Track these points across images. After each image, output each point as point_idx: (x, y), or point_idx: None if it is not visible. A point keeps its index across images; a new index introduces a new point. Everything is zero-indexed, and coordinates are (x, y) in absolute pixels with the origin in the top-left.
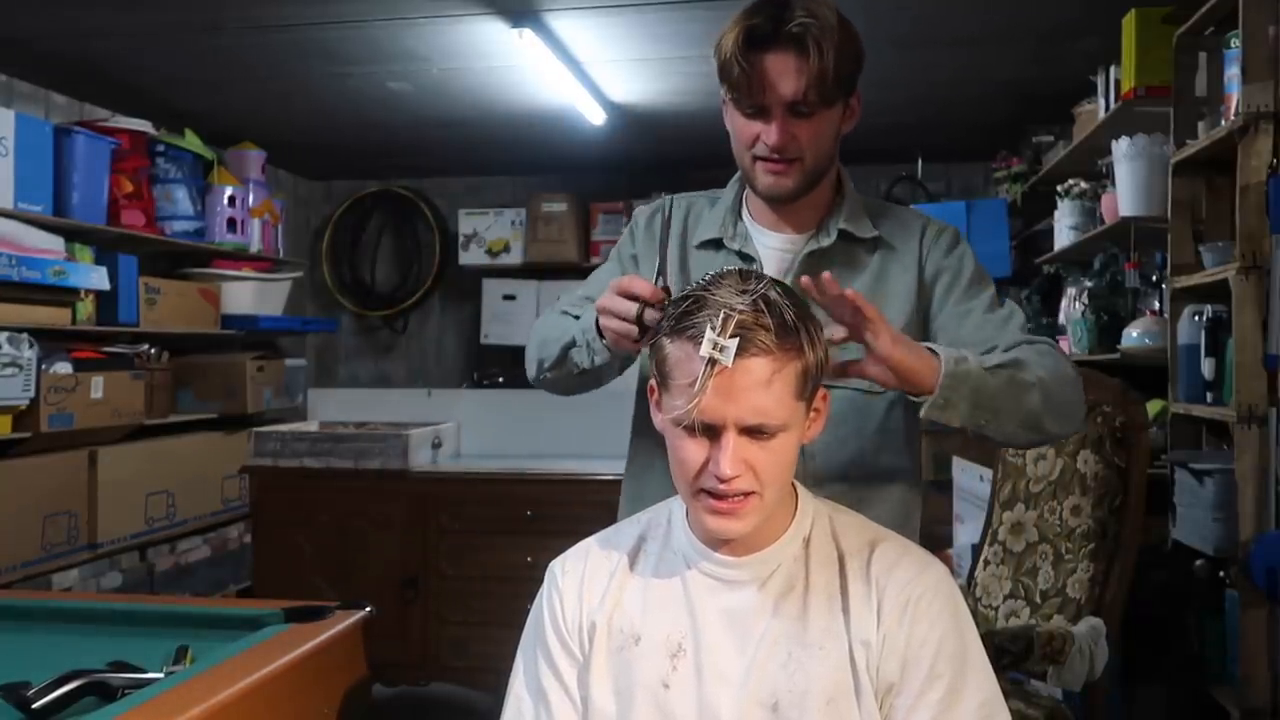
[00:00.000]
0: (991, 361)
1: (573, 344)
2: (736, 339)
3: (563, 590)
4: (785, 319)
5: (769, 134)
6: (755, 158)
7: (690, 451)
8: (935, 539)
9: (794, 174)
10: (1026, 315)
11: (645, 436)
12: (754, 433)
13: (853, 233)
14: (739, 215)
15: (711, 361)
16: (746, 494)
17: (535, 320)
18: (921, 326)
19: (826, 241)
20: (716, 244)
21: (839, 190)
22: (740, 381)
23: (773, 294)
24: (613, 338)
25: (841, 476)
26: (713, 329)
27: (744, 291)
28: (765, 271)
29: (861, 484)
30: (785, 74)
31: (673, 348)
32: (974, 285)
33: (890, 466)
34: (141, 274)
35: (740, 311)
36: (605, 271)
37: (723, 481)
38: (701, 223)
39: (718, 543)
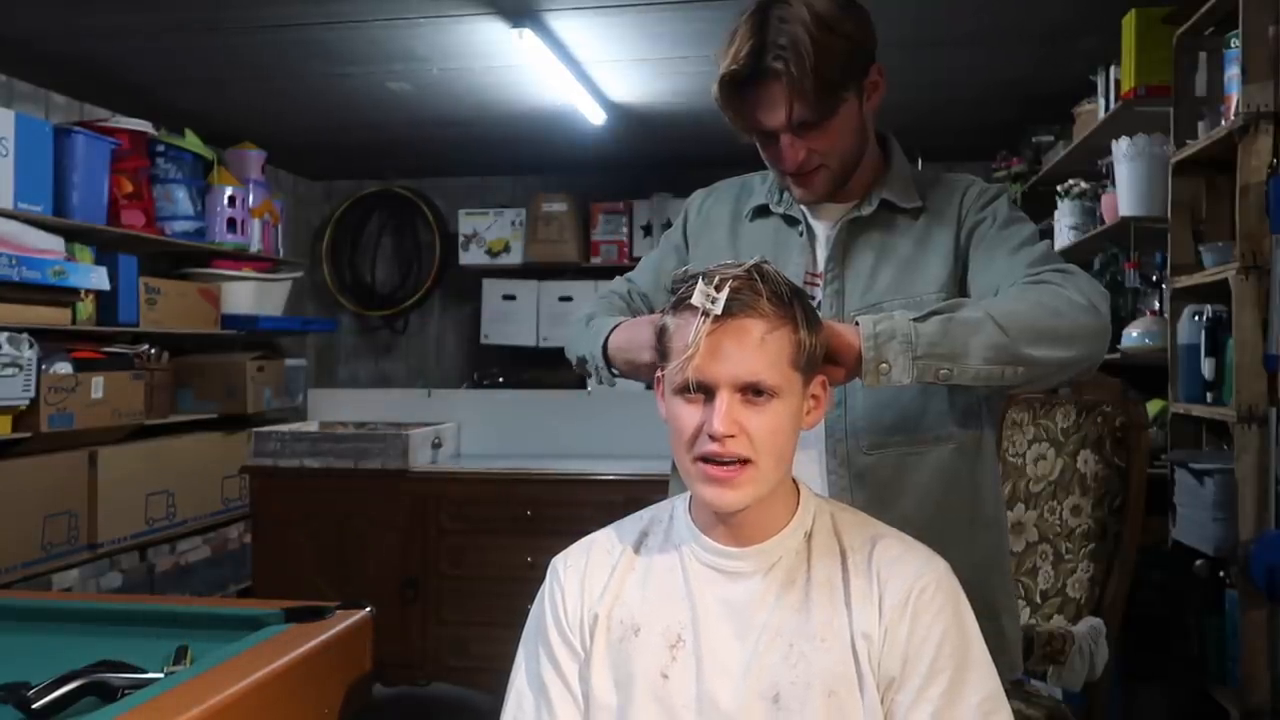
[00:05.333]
0: (922, 312)
1: (584, 361)
2: (727, 290)
3: (564, 585)
4: (779, 291)
5: (782, 160)
6: (781, 171)
7: (686, 416)
8: None
9: (821, 180)
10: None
11: None
12: (748, 394)
13: (895, 202)
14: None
15: (706, 317)
16: (743, 462)
17: (535, 321)
18: (961, 284)
19: (868, 210)
20: (764, 210)
21: (887, 161)
22: (733, 341)
23: (769, 268)
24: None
25: (884, 438)
26: (706, 282)
27: (739, 265)
28: (812, 237)
29: (905, 445)
30: (771, 105)
31: (672, 320)
32: (1004, 229)
33: (936, 429)
34: (141, 274)
35: (735, 277)
36: (651, 258)
37: (716, 440)
38: (752, 194)
39: (720, 533)
